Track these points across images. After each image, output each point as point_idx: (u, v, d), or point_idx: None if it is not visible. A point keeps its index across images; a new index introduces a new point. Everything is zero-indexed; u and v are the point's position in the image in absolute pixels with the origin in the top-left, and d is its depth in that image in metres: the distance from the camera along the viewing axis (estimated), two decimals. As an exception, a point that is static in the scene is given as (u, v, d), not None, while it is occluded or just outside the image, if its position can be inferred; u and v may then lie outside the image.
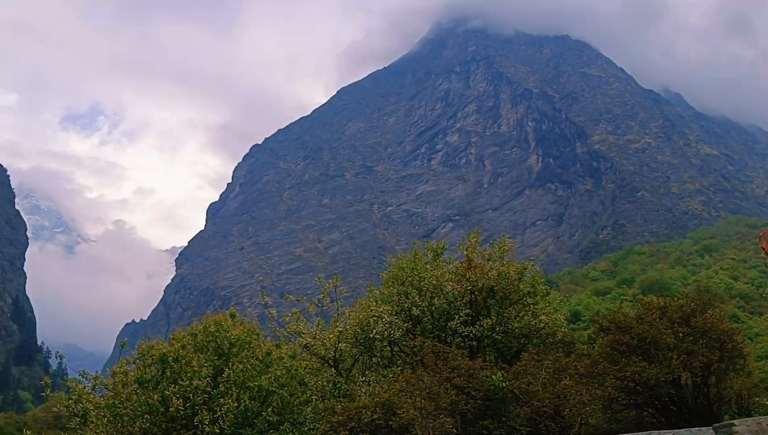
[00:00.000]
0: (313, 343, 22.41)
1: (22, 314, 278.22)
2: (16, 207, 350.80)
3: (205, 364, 18.59)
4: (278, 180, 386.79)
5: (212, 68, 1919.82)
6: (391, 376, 20.41)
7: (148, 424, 17.54)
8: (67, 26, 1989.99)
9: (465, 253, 23.89)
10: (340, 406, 17.55)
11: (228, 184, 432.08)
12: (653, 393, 18.84)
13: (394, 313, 22.32)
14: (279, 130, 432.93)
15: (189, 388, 17.85)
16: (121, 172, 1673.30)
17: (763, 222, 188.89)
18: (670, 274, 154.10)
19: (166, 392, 17.79)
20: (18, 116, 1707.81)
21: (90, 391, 19.83)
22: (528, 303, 22.95)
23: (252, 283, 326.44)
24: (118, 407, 18.45)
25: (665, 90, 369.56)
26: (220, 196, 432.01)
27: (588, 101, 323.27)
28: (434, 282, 22.69)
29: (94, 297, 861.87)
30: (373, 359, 22.81)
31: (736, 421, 14.37)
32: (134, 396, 18.51)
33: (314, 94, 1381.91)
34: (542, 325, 22.57)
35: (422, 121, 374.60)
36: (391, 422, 16.65)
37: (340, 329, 22.18)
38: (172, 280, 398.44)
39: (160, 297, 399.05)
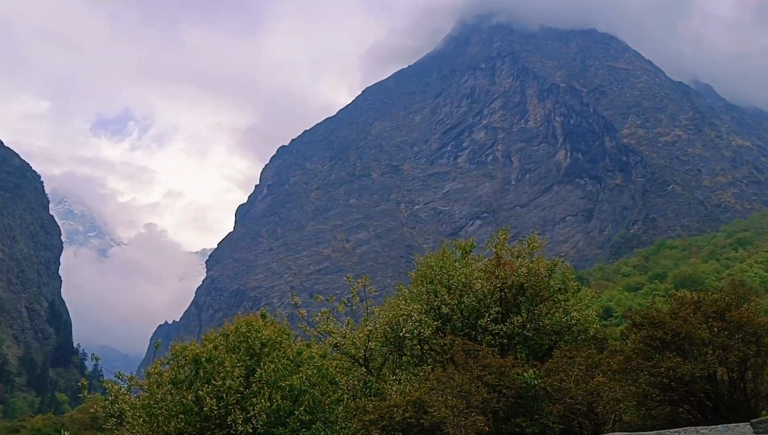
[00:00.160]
0: (343, 343, 22.50)
1: (58, 317, 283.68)
2: (51, 212, 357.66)
3: (238, 364, 18.77)
4: (305, 181, 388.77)
5: (238, 72, 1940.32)
6: (421, 374, 20.40)
7: (182, 424, 17.77)
8: (95, 34, 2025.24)
9: (494, 250, 23.76)
10: (371, 405, 17.59)
11: (256, 185, 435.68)
12: (688, 389, 18.58)
13: (423, 311, 22.29)
14: (305, 131, 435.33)
15: (222, 388, 18.04)
16: (152, 176, 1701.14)
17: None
18: (703, 268, 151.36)
19: (200, 392, 18.00)
20: (50, 123, 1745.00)
21: (125, 391, 20.16)
22: (559, 300, 22.74)
23: (281, 284, 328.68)
24: (153, 407, 18.72)
25: (695, 81, 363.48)
26: (249, 197, 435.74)
27: (616, 95, 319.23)
28: (463, 280, 22.61)
29: (127, 299, 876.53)
30: (403, 358, 22.81)
31: (774, 417, 14.11)
32: (169, 396, 18.75)
33: (339, 95, 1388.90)
34: (574, 321, 22.37)
35: (448, 118, 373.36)
36: (422, 420, 16.64)
37: (369, 328, 22.22)
38: (202, 281, 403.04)
39: (192, 298, 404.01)
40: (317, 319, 23.48)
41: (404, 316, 21.70)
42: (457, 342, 20.07)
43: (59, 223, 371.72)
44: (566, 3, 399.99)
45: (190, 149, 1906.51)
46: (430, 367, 21.19)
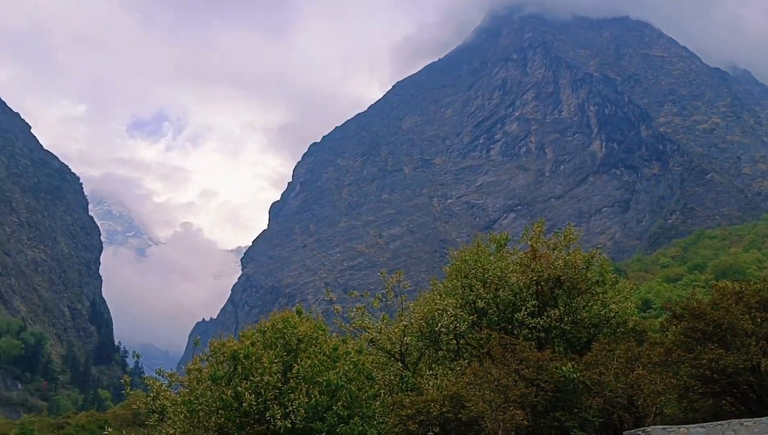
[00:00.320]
0: (378, 338, 22.54)
1: (100, 316, 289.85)
2: (90, 213, 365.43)
3: (275, 360, 18.93)
4: (337, 177, 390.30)
5: (269, 70, 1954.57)
6: (458, 369, 20.33)
7: (222, 420, 18.02)
8: (129, 37, 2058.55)
9: (529, 243, 23.55)
10: (408, 400, 17.61)
11: (288, 183, 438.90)
12: (731, 381, 18.21)
13: (458, 305, 22.21)
14: (336, 127, 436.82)
15: (260, 384, 18.23)
16: (186, 175, 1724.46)
17: None
18: (745, 257, 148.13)
19: (239, 388, 18.22)
20: (88, 126, 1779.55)
21: (166, 388, 20.52)
22: (597, 292, 22.45)
23: (315, 280, 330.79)
24: (194, 403, 19.02)
25: (732, 67, 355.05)
26: (282, 195, 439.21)
27: (651, 83, 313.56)
28: (498, 273, 22.45)
29: (166, 297, 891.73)
30: (439, 352, 22.76)
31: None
32: (208, 392, 19.02)
33: (370, 90, 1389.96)
34: (612, 314, 22.07)
35: (480, 111, 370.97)
36: (460, 415, 16.61)
37: (405, 323, 22.22)
38: (238, 279, 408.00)
39: (228, 296, 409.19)
40: (352, 314, 23.56)
41: (439, 311, 21.65)
42: (493, 336, 19.97)
43: (98, 224, 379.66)
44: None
45: (223, 148, 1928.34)
46: (466, 361, 21.12)
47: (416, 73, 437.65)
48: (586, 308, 22.24)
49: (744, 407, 18.58)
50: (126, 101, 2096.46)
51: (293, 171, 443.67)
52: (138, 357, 28.27)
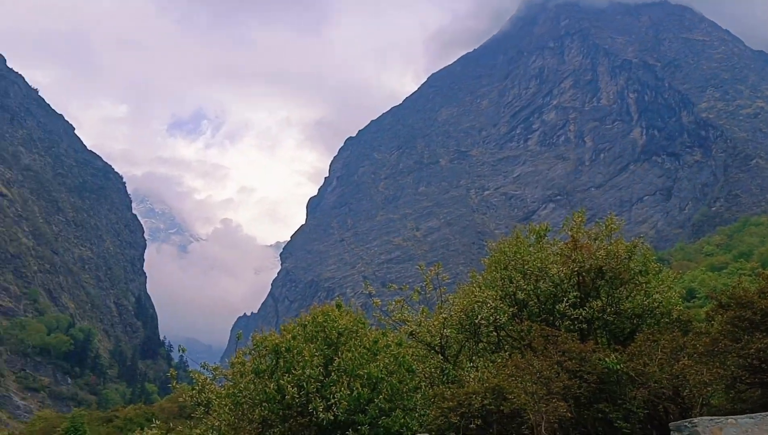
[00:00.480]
0: (418, 331, 22.56)
1: (145, 311, 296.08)
2: (133, 211, 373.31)
3: (316, 354, 19.13)
4: (374, 171, 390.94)
5: (304, 66, 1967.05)
6: (499, 361, 20.23)
7: (266, 412, 18.30)
8: (166, 37, 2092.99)
9: (570, 233, 23.27)
10: (449, 392, 17.60)
11: (325, 178, 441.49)
12: (781, 371, 17.78)
13: (498, 297, 22.08)
14: (371, 121, 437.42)
15: (302, 377, 18.44)
16: (225, 172, 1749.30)
17: None
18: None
19: (281, 381, 18.46)
20: (129, 126, 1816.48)
21: (211, 381, 20.92)
22: (640, 282, 22.07)
23: (354, 274, 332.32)
24: (238, 396, 19.36)
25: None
26: (319, 190, 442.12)
27: (692, 68, 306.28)
28: (539, 265, 22.23)
29: (208, 293, 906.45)
30: (479, 345, 22.66)
31: None
32: (252, 385, 19.32)
33: (404, 83, 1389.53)
34: (656, 304, 21.69)
35: (516, 100, 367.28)
36: (502, 407, 16.55)
37: (444, 316, 22.19)
38: (278, 274, 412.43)
39: (268, 290, 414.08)
40: (391, 307, 23.62)
41: (479, 303, 21.55)
42: (534, 328, 19.82)
43: (142, 222, 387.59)
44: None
45: (260, 145, 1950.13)
46: (507, 353, 21.01)
47: (451, 65, 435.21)
48: (629, 298, 21.90)
49: (794, 398, 18.13)
50: (165, 101, 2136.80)
51: (330, 166, 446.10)
52: (183, 351, 28.88)
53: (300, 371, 18.49)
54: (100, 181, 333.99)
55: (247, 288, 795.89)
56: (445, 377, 20.74)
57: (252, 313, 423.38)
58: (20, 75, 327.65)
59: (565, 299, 21.34)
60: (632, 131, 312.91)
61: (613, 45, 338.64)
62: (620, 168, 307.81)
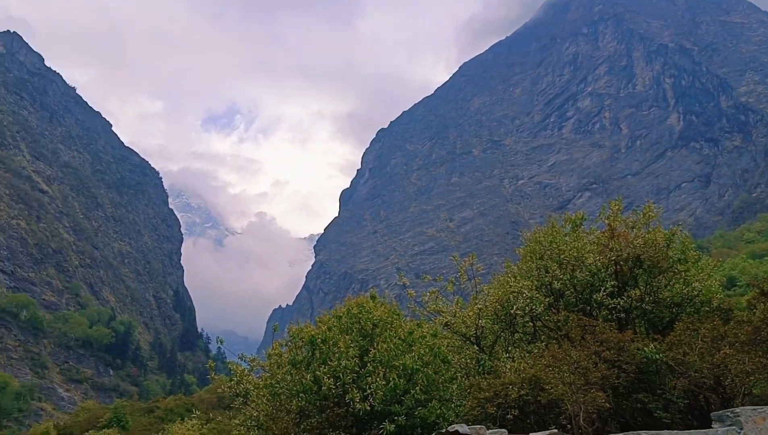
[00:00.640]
0: (453, 321, 22.52)
1: (183, 304, 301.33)
2: (170, 206, 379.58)
3: (351, 345, 19.22)
4: (406, 162, 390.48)
5: (336, 59, 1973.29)
6: (535, 351, 20.10)
7: (303, 402, 18.48)
8: (199, 33, 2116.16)
9: (606, 222, 22.96)
10: (485, 383, 17.55)
11: (357, 170, 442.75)
12: (826, 360, 17.33)
13: (534, 287, 21.90)
14: (403, 112, 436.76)
15: (338, 368, 18.56)
16: (259, 166, 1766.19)
17: None
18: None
19: (317, 372, 18.60)
20: (165, 122, 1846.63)
21: (248, 372, 21.21)
22: (679, 270, 21.69)
23: (387, 265, 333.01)
24: (276, 387, 19.59)
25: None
26: (351, 182, 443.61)
27: (730, 51, 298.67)
28: (575, 254, 21.96)
29: (244, 286, 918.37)
30: (515, 335, 22.54)
31: None
32: (288, 376, 19.52)
33: (436, 73, 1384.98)
34: (695, 292, 21.29)
35: (550, 88, 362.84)
36: (539, 398, 16.46)
37: (479, 306, 22.10)
38: (312, 266, 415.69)
39: (303, 283, 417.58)
40: (426, 298, 23.61)
41: (514, 293, 21.42)
42: (571, 318, 19.62)
43: (178, 216, 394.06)
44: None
45: (293, 138, 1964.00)
46: (543, 344, 20.86)
47: (483, 53, 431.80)
48: (668, 287, 21.53)
49: (841, 387, 17.68)
50: (199, 96, 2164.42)
51: (362, 158, 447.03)
52: (222, 343, 29.40)
53: (336, 362, 18.61)
54: (137, 177, 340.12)
55: (282, 280, 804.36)
56: (481, 368, 20.68)
57: (287, 305, 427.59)
58: (58, 74, 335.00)
59: (603, 289, 21.09)
60: (669, 117, 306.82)
61: (648, 29, 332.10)
62: (657, 155, 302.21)
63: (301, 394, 18.62)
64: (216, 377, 22.77)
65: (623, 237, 21.73)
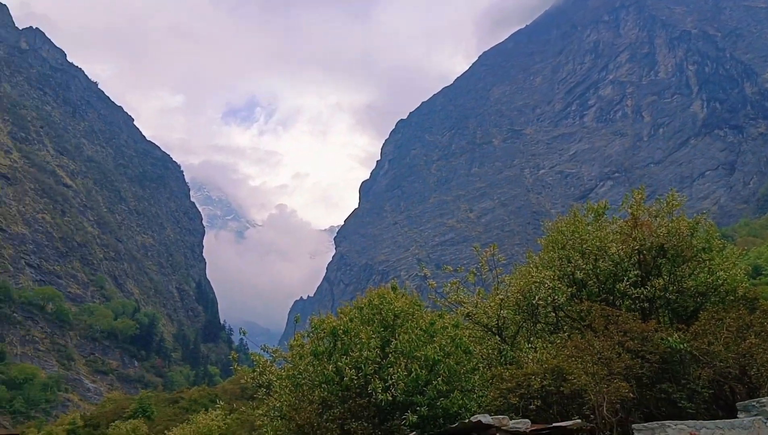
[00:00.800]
0: (475, 312, 22.47)
1: (205, 296, 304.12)
2: (192, 199, 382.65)
3: (373, 336, 19.27)
4: (425, 153, 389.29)
5: (354, 50, 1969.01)
6: (558, 341, 20.00)
7: (325, 393, 18.59)
8: (218, 27, 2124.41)
9: (629, 211, 22.71)
10: (507, 373, 17.51)
11: (377, 161, 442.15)
12: None
13: (556, 277, 21.75)
14: (423, 103, 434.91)
15: (360, 359, 18.63)
16: (279, 159, 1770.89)
17: None
18: None
19: (339, 363, 18.69)
20: (185, 115, 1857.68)
21: (271, 363, 21.39)
22: (703, 259, 21.41)
23: (408, 257, 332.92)
24: (298, 377, 19.74)
25: None
26: (371, 173, 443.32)
27: (755, 37, 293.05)
28: (597, 244, 21.76)
29: (265, 278, 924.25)
30: (537, 325, 22.43)
31: None
32: (310, 367, 19.65)
33: (455, 63, 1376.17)
34: (720, 281, 21.01)
35: (571, 76, 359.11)
36: (562, 388, 16.38)
37: (501, 297, 22.02)
38: (332, 257, 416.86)
39: (323, 274, 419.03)
40: (447, 289, 23.57)
41: (536, 284, 21.30)
42: (594, 308, 19.47)
43: (200, 209, 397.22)
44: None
45: (313, 130, 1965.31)
46: (566, 334, 20.74)
47: (502, 42, 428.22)
48: (692, 276, 21.28)
49: None
50: (219, 90, 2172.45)
51: (381, 149, 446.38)
52: (245, 334, 29.66)
53: (357, 353, 18.68)
54: (159, 171, 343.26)
55: (303, 272, 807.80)
56: (503, 358, 20.63)
57: (308, 296, 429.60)
58: (80, 69, 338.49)
59: (626, 278, 20.90)
60: (692, 104, 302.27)
61: (670, 16, 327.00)
62: (680, 143, 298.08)
63: (323, 385, 18.74)
64: (239, 368, 22.98)
65: (646, 226, 21.50)
